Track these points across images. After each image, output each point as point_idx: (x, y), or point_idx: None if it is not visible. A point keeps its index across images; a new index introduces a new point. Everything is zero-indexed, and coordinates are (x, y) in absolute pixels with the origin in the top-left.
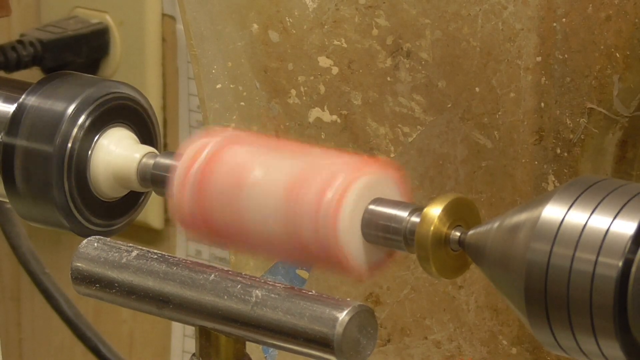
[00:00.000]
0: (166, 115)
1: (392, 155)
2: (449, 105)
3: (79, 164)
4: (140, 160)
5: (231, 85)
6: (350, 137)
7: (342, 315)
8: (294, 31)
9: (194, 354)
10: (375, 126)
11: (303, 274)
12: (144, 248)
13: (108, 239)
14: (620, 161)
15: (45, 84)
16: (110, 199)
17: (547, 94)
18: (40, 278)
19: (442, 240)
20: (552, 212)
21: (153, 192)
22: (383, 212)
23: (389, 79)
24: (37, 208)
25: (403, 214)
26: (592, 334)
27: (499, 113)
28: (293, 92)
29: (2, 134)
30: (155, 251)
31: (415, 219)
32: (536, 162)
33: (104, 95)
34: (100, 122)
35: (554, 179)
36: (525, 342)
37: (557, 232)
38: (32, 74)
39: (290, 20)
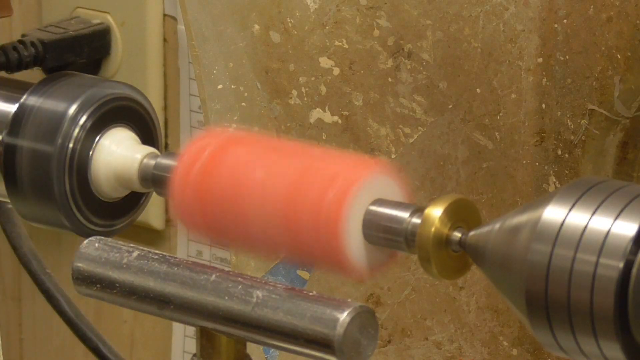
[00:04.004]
0: (167, 115)
1: (393, 156)
2: (450, 106)
3: (80, 164)
4: (141, 161)
5: (232, 86)
6: (351, 137)
7: (343, 316)
8: (295, 32)
9: (194, 355)
10: (377, 127)
11: (304, 274)
12: (145, 248)
13: (109, 239)
14: (621, 162)
15: (46, 84)
16: (111, 199)
17: (548, 95)
18: (41, 278)
19: (443, 241)
20: (553, 213)
21: (154, 193)
22: (384, 213)
23: (390, 79)
24: (38, 208)
25: (404, 215)
26: (593, 335)
27: (500, 114)
28: (294, 92)
29: (3, 134)
30: (156, 252)
31: (416, 220)
32: (537, 163)
33: (105, 96)
34: (102, 123)
35: (554, 180)
36: (526, 343)
37: (558, 233)
38: (34, 75)
39: (292, 21)
